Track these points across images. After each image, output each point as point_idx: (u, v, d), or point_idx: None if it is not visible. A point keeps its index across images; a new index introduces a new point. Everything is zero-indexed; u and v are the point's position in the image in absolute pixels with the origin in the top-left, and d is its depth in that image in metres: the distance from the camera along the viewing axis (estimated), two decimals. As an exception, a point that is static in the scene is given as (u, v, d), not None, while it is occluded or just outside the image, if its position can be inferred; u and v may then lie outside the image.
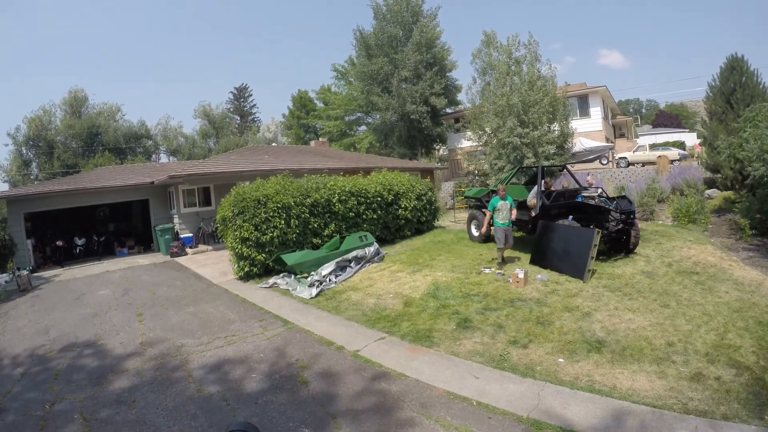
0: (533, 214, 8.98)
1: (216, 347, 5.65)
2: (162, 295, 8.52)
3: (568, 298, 6.28)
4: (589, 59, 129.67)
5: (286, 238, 9.31)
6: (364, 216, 10.99)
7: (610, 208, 7.95)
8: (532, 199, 9.38)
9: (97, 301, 8.43)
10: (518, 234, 11.01)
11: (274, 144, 40.17)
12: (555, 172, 17.46)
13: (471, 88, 21.76)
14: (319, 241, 10.01)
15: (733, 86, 14.78)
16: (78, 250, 14.63)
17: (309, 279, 8.20)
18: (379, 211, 11.39)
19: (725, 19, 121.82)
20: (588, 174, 10.85)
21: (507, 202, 8.28)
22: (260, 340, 5.82)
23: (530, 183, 10.39)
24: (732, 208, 11.70)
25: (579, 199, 8.94)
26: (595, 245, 7.05)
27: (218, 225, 9.60)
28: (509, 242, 8.29)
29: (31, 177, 34.48)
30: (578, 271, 7.06)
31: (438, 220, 14.27)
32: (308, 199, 9.81)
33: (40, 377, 5.14)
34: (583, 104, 25.24)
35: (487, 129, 19.53)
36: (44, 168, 33.99)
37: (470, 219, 11.15)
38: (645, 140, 32.32)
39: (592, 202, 8.57)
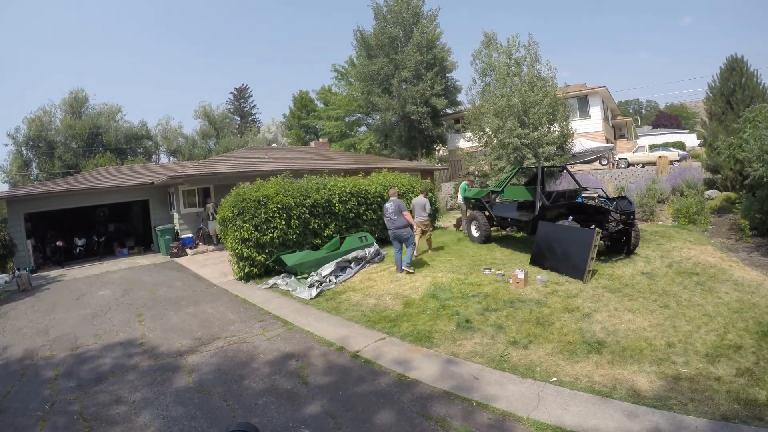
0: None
1: (216, 347, 5.65)
2: (162, 296, 8.52)
3: (568, 298, 6.28)
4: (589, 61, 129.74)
5: (286, 238, 9.31)
6: (364, 216, 11.00)
7: (610, 208, 7.95)
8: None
9: (97, 302, 8.43)
10: (518, 234, 11.04)
11: (274, 144, 40.19)
12: (555, 172, 17.47)
13: (471, 88, 21.80)
14: (319, 242, 10.01)
15: (733, 87, 14.79)
16: (78, 251, 14.63)
17: (309, 279, 8.20)
18: (380, 212, 11.39)
19: (725, 20, 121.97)
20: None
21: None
22: (260, 340, 5.82)
23: (530, 183, 10.40)
24: (732, 208, 11.70)
25: (579, 200, 8.94)
26: (595, 246, 7.05)
27: (218, 225, 9.60)
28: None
29: (31, 177, 34.47)
30: (578, 272, 7.06)
31: (438, 221, 14.27)
32: (308, 200, 9.81)
33: (40, 377, 5.14)
34: (583, 105, 25.26)
35: (487, 130, 19.54)
36: (44, 168, 33.98)
37: (470, 219, 11.15)
38: (645, 141, 32.38)
39: (592, 202, 8.57)
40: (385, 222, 8.54)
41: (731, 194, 13.76)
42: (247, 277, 9.04)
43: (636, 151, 22.70)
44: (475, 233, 10.88)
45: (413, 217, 9.05)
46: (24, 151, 34.95)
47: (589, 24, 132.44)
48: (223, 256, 11.75)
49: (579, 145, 20.36)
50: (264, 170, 13.65)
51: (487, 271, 7.84)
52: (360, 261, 9.24)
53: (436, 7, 28.83)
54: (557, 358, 4.70)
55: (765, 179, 8.73)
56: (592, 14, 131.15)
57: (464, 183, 13.18)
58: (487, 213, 10.54)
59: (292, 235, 9.43)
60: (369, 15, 34.92)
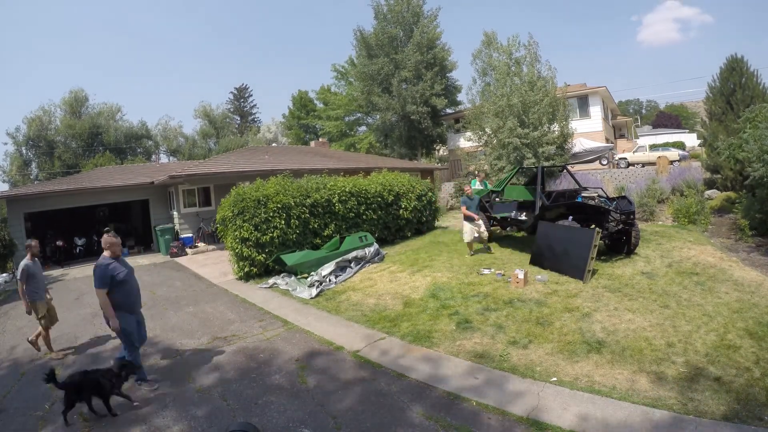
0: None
1: (216, 347, 5.65)
2: (162, 295, 8.52)
3: (568, 298, 6.28)
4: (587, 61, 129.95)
5: (286, 238, 9.31)
6: (364, 216, 10.99)
7: (610, 208, 7.94)
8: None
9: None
10: (518, 234, 11.03)
11: (274, 144, 40.15)
12: (555, 172, 17.47)
13: (471, 88, 21.84)
14: (319, 242, 10.01)
15: (733, 87, 14.78)
16: (78, 250, 14.64)
17: (309, 279, 8.20)
18: (379, 212, 11.39)
19: (725, 19, 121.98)
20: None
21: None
22: (260, 340, 5.82)
23: (530, 183, 10.40)
24: (732, 208, 11.70)
25: (579, 200, 8.94)
26: (595, 245, 7.04)
27: (218, 225, 9.60)
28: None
29: (31, 177, 34.50)
30: (578, 272, 7.05)
31: (438, 221, 14.27)
32: (308, 200, 9.81)
33: (40, 377, 5.12)
34: (583, 104, 25.25)
35: (487, 129, 19.55)
36: (44, 168, 34.02)
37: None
38: (645, 141, 32.35)
39: (591, 202, 8.57)
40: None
41: (731, 194, 13.75)
42: (246, 277, 9.04)
43: (636, 151, 22.69)
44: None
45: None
46: (24, 151, 35.01)
47: (589, 24, 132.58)
48: (223, 256, 11.74)
49: (579, 144, 20.35)
50: (264, 170, 13.65)
51: (486, 271, 7.84)
52: (360, 261, 9.24)
53: (437, 6, 28.78)
54: (557, 358, 4.69)
55: (765, 179, 8.73)
56: (593, 14, 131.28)
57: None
58: (487, 213, 10.53)
59: (292, 235, 9.43)
60: (369, 14, 34.93)
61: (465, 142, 25.77)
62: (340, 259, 8.88)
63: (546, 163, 17.05)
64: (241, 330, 6.25)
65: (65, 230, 15.22)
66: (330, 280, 8.26)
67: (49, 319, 6.02)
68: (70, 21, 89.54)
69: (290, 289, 8.07)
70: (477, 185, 12.75)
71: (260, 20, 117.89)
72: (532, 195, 9.91)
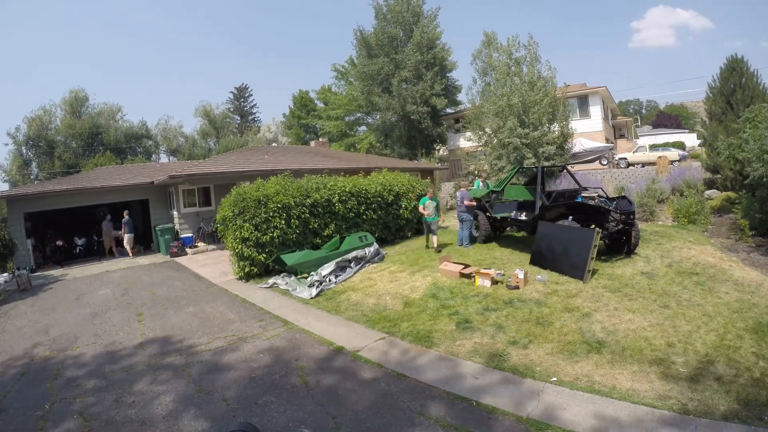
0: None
1: (216, 347, 5.65)
2: (162, 295, 8.52)
3: (567, 298, 6.28)
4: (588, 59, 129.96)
5: (286, 238, 9.31)
6: (364, 216, 10.99)
7: (610, 208, 7.94)
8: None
9: (97, 301, 8.43)
10: (519, 234, 11.04)
11: (274, 144, 40.11)
12: (555, 172, 17.46)
13: (471, 88, 21.81)
14: (320, 241, 10.01)
15: (733, 87, 14.78)
16: (78, 250, 14.63)
17: (309, 279, 8.20)
18: (379, 212, 11.39)
19: (725, 19, 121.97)
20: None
21: (434, 201, 10.27)
22: (260, 340, 5.82)
23: (530, 183, 10.40)
24: (732, 208, 11.71)
25: (579, 200, 8.94)
26: (595, 246, 7.05)
27: (218, 225, 9.60)
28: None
29: (31, 177, 34.47)
30: (578, 272, 7.05)
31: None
32: (308, 200, 9.80)
33: (40, 377, 5.14)
34: (583, 104, 25.22)
35: (487, 129, 19.54)
36: (44, 168, 33.98)
37: (470, 219, 11.12)
38: (645, 141, 32.31)
39: (591, 202, 8.57)
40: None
41: (731, 194, 13.75)
42: (247, 277, 9.04)
43: (636, 151, 22.67)
44: (475, 233, 10.87)
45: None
46: (24, 151, 34.96)
47: (589, 24, 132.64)
48: (223, 256, 11.74)
49: (579, 144, 20.33)
50: (264, 170, 13.64)
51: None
52: (360, 260, 9.24)
53: (436, 6, 28.75)
54: (557, 358, 4.70)
55: (765, 179, 8.74)
56: (593, 15, 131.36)
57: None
58: (487, 213, 10.54)
59: (292, 235, 9.43)
60: (369, 14, 34.96)
61: (465, 142, 25.74)
62: (340, 259, 8.88)
63: (546, 163, 17.04)
64: (241, 330, 6.25)
65: (65, 230, 15.22)
66: (330, 280, 8.26)
67: None
68: (70, 21, 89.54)
69: (290, 289, 8.07)
70: (480, 185, 12.74)
71: (260, 20, 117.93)
72: (532, 195, 9.91)
